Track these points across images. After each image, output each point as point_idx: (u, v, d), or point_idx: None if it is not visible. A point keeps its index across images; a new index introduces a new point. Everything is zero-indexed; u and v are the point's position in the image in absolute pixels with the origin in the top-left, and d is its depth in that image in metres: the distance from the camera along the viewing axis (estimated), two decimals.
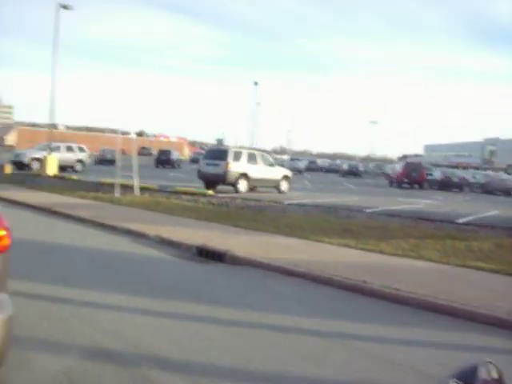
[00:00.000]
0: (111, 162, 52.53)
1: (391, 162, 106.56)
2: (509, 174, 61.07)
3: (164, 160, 61.84)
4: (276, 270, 9.48)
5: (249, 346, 5.73)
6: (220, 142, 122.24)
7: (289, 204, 22.28)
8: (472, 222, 19.11)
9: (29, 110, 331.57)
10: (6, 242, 3.60)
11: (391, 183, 49.06)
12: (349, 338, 6.22)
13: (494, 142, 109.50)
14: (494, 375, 1.55)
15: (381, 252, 11.28)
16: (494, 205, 30.29)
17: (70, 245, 11.36)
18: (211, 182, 28.23)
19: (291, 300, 7.81)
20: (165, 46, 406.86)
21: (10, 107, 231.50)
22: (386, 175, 59.28)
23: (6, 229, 3.60)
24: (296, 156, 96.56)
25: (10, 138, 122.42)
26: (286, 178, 30.45)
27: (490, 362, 1.58)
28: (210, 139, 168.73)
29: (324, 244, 12.12)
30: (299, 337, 6.17)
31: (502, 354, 5.91)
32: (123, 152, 23.84)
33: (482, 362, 1.58)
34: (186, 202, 20.62)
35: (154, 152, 79.32)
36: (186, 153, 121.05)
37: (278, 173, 30.18)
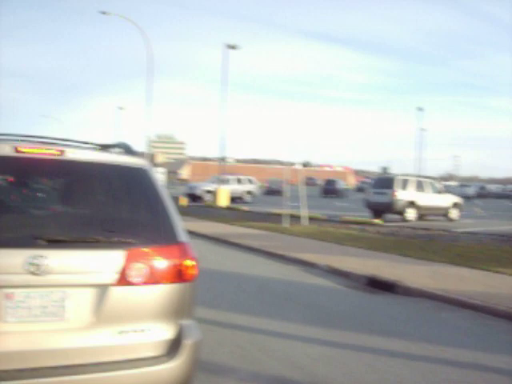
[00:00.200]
0: (278, 192, 53.87)
1: None
2: None
3: (330, 189, 62.17)
4: (450, 302, 9.10)
5: (424, 381, 5.55)
6: (385, 170, 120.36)
7: (460, 232, 21.35)
8: None
9: (199, 145, 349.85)
10: (194, 271, 3.80)
11: None
12: None
13: None
14: None
15: None
16: None
17: (241, 273, 11.76)
18: (378, 210, 27.88)
19: (467, 334, 7.44)
20: (327, 77, 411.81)
21: (182, 143, 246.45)
22: None
23: (194, 259, 3.80)
24: (464, 182, 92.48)
25: (184, 172, 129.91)
26: (455, 205, 29.32)
27: None
28: (374, 167, 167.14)
29: (500, 275, 11.44)
30: (481, 374, 5.85)
31: None
32: (290, 182, 24.32)
33: None
34: (354, 231, 20.53)
35: (320, 182, 80.00)
36: (351, 182, 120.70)
37: (447, 200, 29.15)
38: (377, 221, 25.18)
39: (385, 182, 29.22)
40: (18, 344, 3.28)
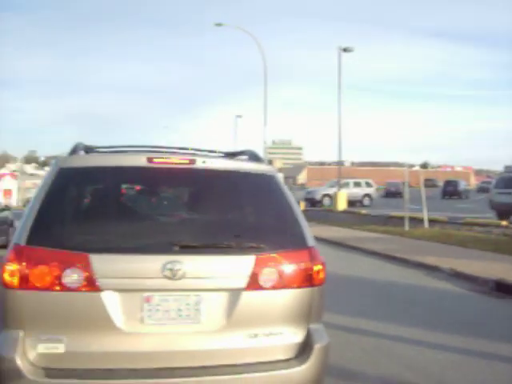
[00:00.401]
0: (397, 194, 52.86)
1: None
2: None
3: (450, 191, 60.04)
4: None
5: None
6: (509, 169, 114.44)
7: None
8: None
9: (316, 149, 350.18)
10: (323, 275, 3.84)
11: None
12: None
13: None
14: None
15: None
16: None
17: (362, 277, 11.69)
18: (504, 211, 26.58)
19: None
20: (442, 75, 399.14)
21: (300, 148, 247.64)
22: None
23: (322, 263, 3.85)
24: None
25: (301, 177, 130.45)
26: None
27: None
28: (497, 166, 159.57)
29: None
30: None
31: None
32: (409, 185, 23.80)
33: None
34: (478, 233, 19.74)
35: (439, 183, 77.53)
36: (473, 182, 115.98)
37: None
38: (503, 222, 24.04)
39: (510, 181, 27.82)
40: (155, 345, 3.47)
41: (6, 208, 18.70)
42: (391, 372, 5.63)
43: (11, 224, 16.99)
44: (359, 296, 9.71)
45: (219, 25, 40.09)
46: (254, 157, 4.48)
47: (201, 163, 3.93)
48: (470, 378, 5.56)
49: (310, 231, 3.93)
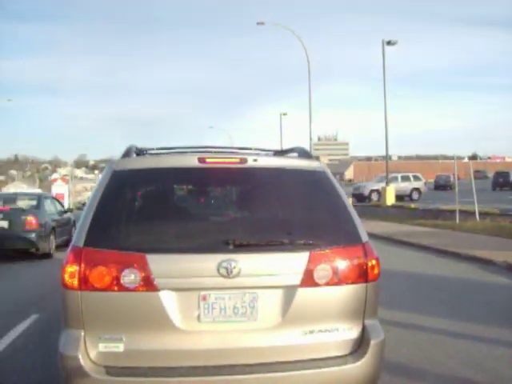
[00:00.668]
0: (446, 187, 51.98)
1: None
2: None
3: (501, 182, 58.58)
4: None
5: None
6: None
7: None
8: None
9: (362, 144, 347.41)
10: (378, 271, 3.84)
11: None
12: None
13: None
14: None
15: None
16: None
17: (414, 272, 11.59)
18: None
19: None
20: (492, 64, 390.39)
21: (346, 144, 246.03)
22: None
23: (377, 259, 3.84)
24: None
25: (348, 173, 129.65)
26: None
27: None
28: None
29: None
30: None
31: None
32: (458, 177, 23.39)
33: None
34: None
35: (489, 175, 75.81)
36: None
37: None
38: None
39: None
40: (212, 342, 3.53)
41: (69, 210, 19.77)
42: (447, 368, 5.56)
43: (74, 224, 18.08)
44: (411, 291, 9.62)
45: (261, 23, 40.09)
46: (303, 153, 4.49)
47: (252, 162, 3.96)
48: None
49: (362, 227, 3.91)
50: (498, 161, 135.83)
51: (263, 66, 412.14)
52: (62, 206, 19.56)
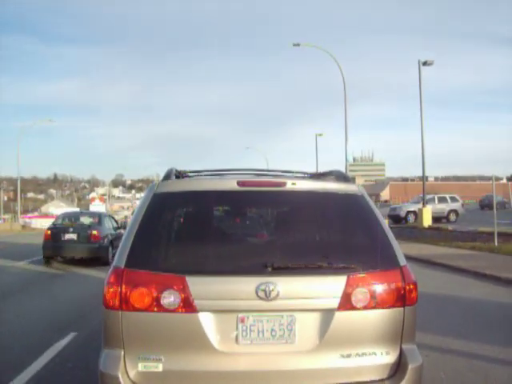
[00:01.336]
0: (491, 206, 51.25)
1: None
2: None
3: None
4: None
5: None
6: None
7: None
8: None
9: (399, 165, 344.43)
10: (415, 295, 3.84)
11: None
12: None
13: None
14: None
15: None
16: None
17: (452, 295, 11.40)
18: None
19: None
20: None
21: (382, 164, 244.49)
22: None
23: (414, 283, 3.84)
24: None
25: (384, 194, 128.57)
26: None
27: None
28: None
29: None
30: None
31: None
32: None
33: None
34: None
35: None
36: None
37: None
38: None
39: None
40: (250, 364, 3.56)
41: (122, 226, 21.84)
42: None
43: None
44: (449, 315, 9.49)
45: (297, 45, 40.22)
46: (341, 177, 4.52)
47: (290, 185, 4.01)
48: None
49: (400, 250, 3.92)
50: None
51: (299, 87, 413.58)
52: (117, 223, 22.12)
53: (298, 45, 40.39)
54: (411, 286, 3.80)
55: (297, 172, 4.84)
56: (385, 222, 4.07)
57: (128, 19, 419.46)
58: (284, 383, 3.55)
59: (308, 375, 3.59)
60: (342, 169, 39.71)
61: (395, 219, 40.83)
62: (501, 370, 6.29)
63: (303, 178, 4.63)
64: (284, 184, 4.01)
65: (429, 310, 9.49)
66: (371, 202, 4.16)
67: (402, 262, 3.85)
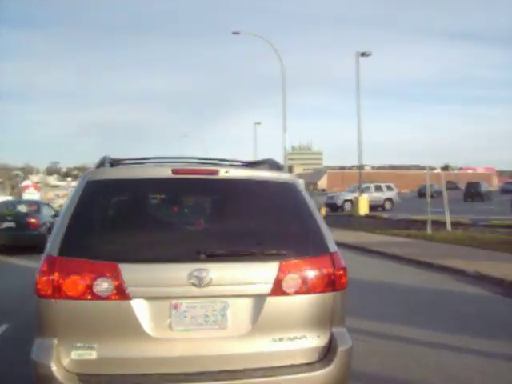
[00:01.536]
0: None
1: None
2: None
3: (472, 193, 59.45)
4: None
5: None
6: None
7: None
8: None
9: (336, 154, 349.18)
10: (345, 280, 3.92)
11: None
12: None
13: None
14: None
15: None
16: None
17: (385, 282, 11.66)
18: None
19: None
20: (466, 76, 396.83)
21: (319, 153, 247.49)
22: None
23: (344, 268, 3.93)
24: None
25: (322, 182, 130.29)
26: None
27: None
28: None
29: None
30: None
31: None
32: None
33: None
34: (503, 235, 19.56)
35: (461, 185, 76.80)
36: (495, 183, 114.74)
37: None
38: None
39: None
40: (183, 350, 3.57)
41: (58, 214, 21.09)
42: (418, 377, 5.63)
43: None
44: (384, 301, 9.70)
45: (236, 33, 40.21)
46: (274, 165, 4.59)
47: (224, 173, 4.05)
48: (500, 382, 5.54)
49: (331, 237, 4.01)
50: (470, 171, 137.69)
51: (240, 76, 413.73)
52: (54, 211, 22.10)
53: (238, 33, 40.35)
54: (341, 272, 3.89)
55: (232, 161, 4.85)
56: (317, 210, 4.14)
57: (64, 4, 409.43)
58: (218, 368, 3.59)
59: (241, 359, 3.63)
60: (281, 157, 40.04)
61: (332, 207, 41.43)
62: (431, 352, 6.47)
63: (237, 166, 4.67)
64: (217, 172, 4.04)
65: (365, 297, 9.67)
66: (303, 191, 4.22)
67: (333, 248, 3.94)
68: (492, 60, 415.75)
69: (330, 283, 3.83)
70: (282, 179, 4.21)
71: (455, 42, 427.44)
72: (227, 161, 4.80)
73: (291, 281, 3.72)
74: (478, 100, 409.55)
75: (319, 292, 3.80)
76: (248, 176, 4.16)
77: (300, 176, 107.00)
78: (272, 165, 4.60)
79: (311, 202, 4.15)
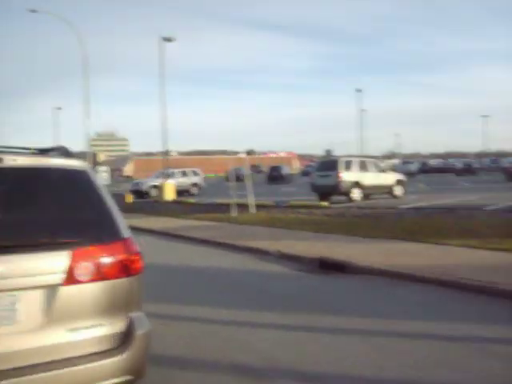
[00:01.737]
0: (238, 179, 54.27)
1: (508, 155, 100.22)
2: None
3: (275, 176, 62.46)
4: (399, 277, 9.35)
5: (380, 355, 5.70)
6: (329, 152, 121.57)
7: (406, 208, 21.89)
8: None
9: (142, 140, 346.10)
10: (139, 265, 3.92)
11: (510, 178, 46.42)
12: (483, 341, 6.04)
13: None
14: None
15: (506, 250, 10.81)
16: None
17: (192, 265, 11.79)
18: (324, 193, 28.27)
19: (418, 306, 7.69)
20: (265, 65, 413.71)
21: (125, 140, 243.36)
22: (504, 169, 56.11)
23: (138, 253, 3.93)
24: (406, 159, 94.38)
25: (128, 169, 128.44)
26: (399, 182, 30.01)
27: None
28: (318, 151, 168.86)
29: (446, 246, 11.81)
30: (430, 342, 6.06)
31: None
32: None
33: None
34: (302, 215, 20.75)
35: (265, 169, 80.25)
36: (296, 167, 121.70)
37: (390, 178, 29.80)
38: (324, 203, 25.53)
39: (329, 164, 29.67)
40: None
41: None
42: (224, 355, 5.76)
43: None
44: (188, 284, 9.78)
45: (34, 11, 38.01)
46: (65, 153, 4.45)
47: (10, 161, 3.83)
48: (299, 351, 5.86)
49: (124, 223, 4.00)
50: (273, 156, 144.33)
51: (36, 57, 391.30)
52: None
53: (36, 11, 38.18)
54: (135, 257, 3.89)
55: (21, 148, 4.56)
56: (109, 197, 4.11)
57: None
58: (9, 365, 3.37)
59: (34, 354, 3.46)
60: (85, 144, 38.73)
61: (138, 194, 40.99)
62: (236, 330, 6.68)
63: (25, 153, 4.40)
64: (1, 160, 3.80)
65: (168, 281, 9.72)
66: (95, 178, 4.16)
67: (126, 234, 3.93)
68: (293, 49, 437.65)
69: (124, 269, 3.81)
70: (72, 166, 4.10)
71: (258, 30, 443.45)
72: (15, 148, 4.51)
73: (84, 269, 3.64)
74: (284, 88, 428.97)
75: (113, 278, 3.76)
76: (37, 164, 4.00)
77: (104, 163, 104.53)
78: (63, 152, 4.46)
79: (103, 189, 4.11)
